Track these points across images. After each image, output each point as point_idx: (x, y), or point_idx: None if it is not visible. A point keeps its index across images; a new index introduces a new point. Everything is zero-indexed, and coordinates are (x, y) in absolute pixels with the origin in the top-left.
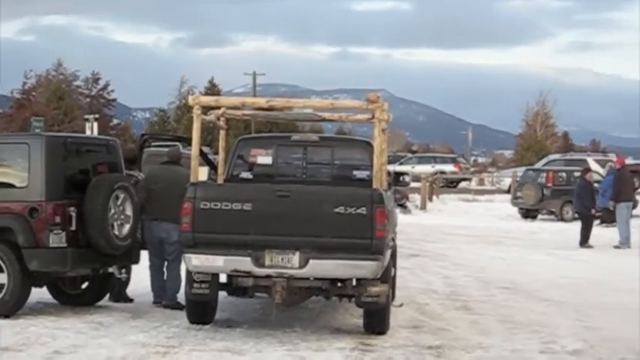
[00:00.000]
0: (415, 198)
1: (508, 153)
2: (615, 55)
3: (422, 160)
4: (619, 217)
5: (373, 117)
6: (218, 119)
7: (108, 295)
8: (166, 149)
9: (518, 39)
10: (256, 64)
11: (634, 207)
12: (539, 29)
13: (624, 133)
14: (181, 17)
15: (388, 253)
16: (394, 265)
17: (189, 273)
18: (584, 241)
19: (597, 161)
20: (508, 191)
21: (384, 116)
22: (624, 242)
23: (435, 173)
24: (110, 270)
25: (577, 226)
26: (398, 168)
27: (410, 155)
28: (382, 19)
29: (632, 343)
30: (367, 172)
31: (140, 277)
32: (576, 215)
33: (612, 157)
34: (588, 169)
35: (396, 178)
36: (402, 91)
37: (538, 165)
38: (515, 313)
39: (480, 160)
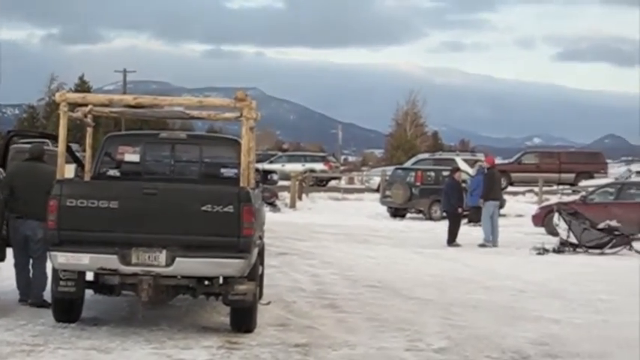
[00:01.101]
0: (285, 196)
1: (378, 152)
2: (487, 55)
3: (292, 159)
4: (485, 215)
5: (241, 115)
6: (85, 116)
7: None
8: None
9: (391, 38)
10: (128, 61)
11: (501, 206)
12: (412, 29)
13: (494, 132)
14: (53, 13)
15: (255, 251)
16: (262, 263)
17: (55, 271)
18: (452, 239)
19: (466, 161)
20: (377, 190)
21: (252, 114)
22: (488, 240)
23: (305, 172)
24: None
25: (445, 224)
26: (267, 166)
27: (280, 154)
28: (256, 17)
29: (498, 341)
30: (235, 170)
31: (5, 274)
32: (444, 214)
33: (481, 156)
34: (457, 169)
35: (264, 177)
36: (274, 89)
37: (407, 164)
38: (383, 311)
39: (351, 158)
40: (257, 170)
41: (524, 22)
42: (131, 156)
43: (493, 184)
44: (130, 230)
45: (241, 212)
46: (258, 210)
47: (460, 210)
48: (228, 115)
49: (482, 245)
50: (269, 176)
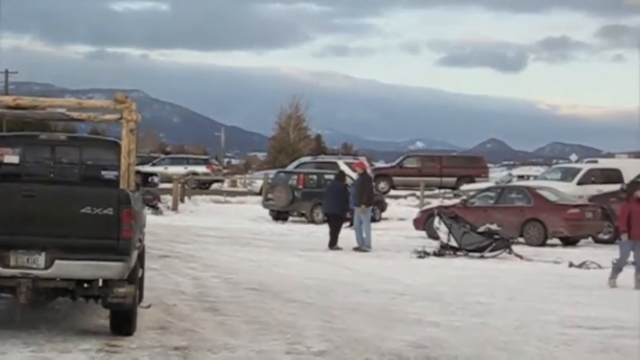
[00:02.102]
0: (167, 199)
1: (262, 155)
2: (372, 60)
3: (175, 161)
4: (356, 220)
5: (122, 117)
6: None
7: None
8: None
9: (277, 42)
10: (11, 63)
11: (382, 210)
12: (297, 33)
13: (377, 136)
14: None
15: (135, 253)
16: (142, 266)
17: None
18: (333, 242)
19: (348, 164)
20: (260, 193)
21: (133, 116)
22: (362, 244)
23: (188, 174)
24: None
25: (327, 228)
26: (149, 169)
27: (163, 156)
28: (141, 19)
29: (377, 344)
30: (115, 173)
31: None
32: (325, 217)
33: (363, 159)
34: (344, 173)
35: (145, 179)
36: (158, 92)
37: (290, 167)
38: (263, 314)
39: (234, 161)
40: (138, 172)
41: (409, 27)
42: (10, 157)
43: (365, 189)
44: (9, 232)
45: (121, 215)
46: (139, 212)
47: (348, 214)
48: (108, 116)
49: (356, 249)
50: (150, 179)
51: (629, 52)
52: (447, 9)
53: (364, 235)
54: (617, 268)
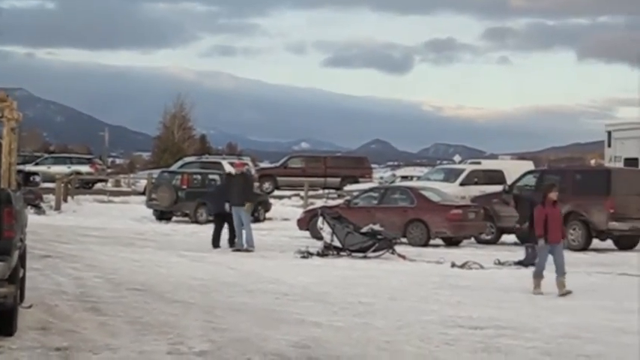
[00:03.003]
0: (50, 199)
1: (146, 155)
2: (258, 60)
3: (58, 161)
4: (236, 220)
5: (2, 116)
6: None
7: None
8: None
9: (164, 41)
10: None
11: (267, 210)
12: (184, 32)
13: (262, 137)
14: None
15: (16, 253)
16: (23, 266)
17: None
18: (217, 243)
19: (232, 164)
20: (143, 193)
21: (14, 115)
22: (242, 244)
23: (71, 174)
24: None
25: (211, 228)
26: (32, 168)
27: (46, 155)
28: (27, 17)
29: (260, 344)
30: None
31: None
32: (210, 217)
33: (247, 160)
34: (231, 173)
35: (27, 178)
36: (42, 90)
37: (174, 167)
38: (145, 314)
39: (118, 161)
40: (19, 172)
41: (295, 27)
42: None
43: (246, 189)
44: None
45: (1, 214)
46: (20, 212)
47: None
48: None
49: (237, 249)
50: (32, 178)
51: (514, 54)
52: (333, 10)
53: (245, 236)
54: (538, 274)
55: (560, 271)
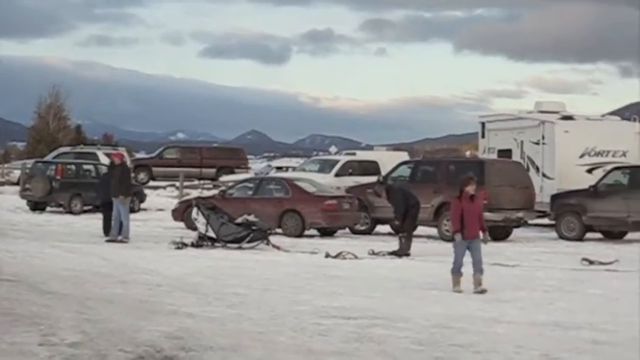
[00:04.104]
0: None
1: (21, 145)
2: (134, 50)
3: None
4: (115, 210)
5: None
6: None
7: None
8: None
9: (40, 31)
10: None
11: (141, 201)
12: (60, 22)
13: (139, 127)
14: None
15: None
16: None
17: None
18: (108, 231)
19: (108, 155)
20: (17, 183)
21: None
22: (115, 235)
23: None
24: None
25: (86, 219)
26: None
27: None
28: None
29: (132, 335)
30: None
31: None
32: (86, 208)
33: (122, 150)
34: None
35: None
36: None
37: (48, 157)
38: (17, 305)
39: None
40: None
41: (172, 17)
42: None
43: (125, 180)
44: None
45: None
46: None
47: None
48: None
49: (110, 241)
50: None
51: (391, 45)
52: (211, 0)
53: (122, 227)
54: (456, 271)
55: (478, 268)
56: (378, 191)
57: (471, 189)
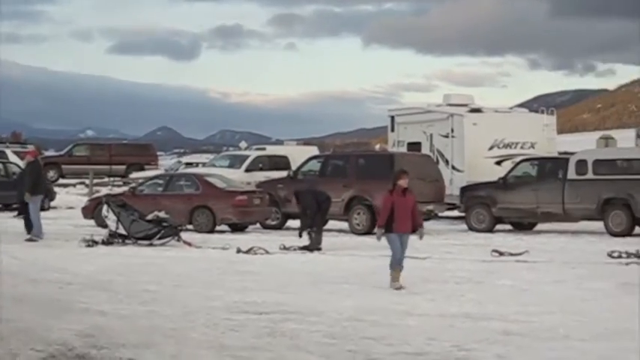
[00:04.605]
0: None
1: None
2: (43, 47)
3: None
4: (33, 209)
5: None
6: None
7: None
8: None
9: None
10: None
11: (51, 199)
12: None
13: (48, 124)
14: None
15: None
16: None
17: None
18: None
19: (16, 153)
20: None
21: None
22: (37, 234)
23: None
24: None
25: None
26: None
27: None
28: None
29: (43, 334)
30: None
31: None
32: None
33: (31, 148)
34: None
35: None
36: None
37: None
38: None
39: None
40: None
41: (81, 14)
42: None
43: (37, 177)
44: None
45: None
46: None
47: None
48: None
49: (29, 239)
50: None
51: (301, 40)
52: None
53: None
54: (394, 266)
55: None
56: (288, 197)
57: (403, 182)
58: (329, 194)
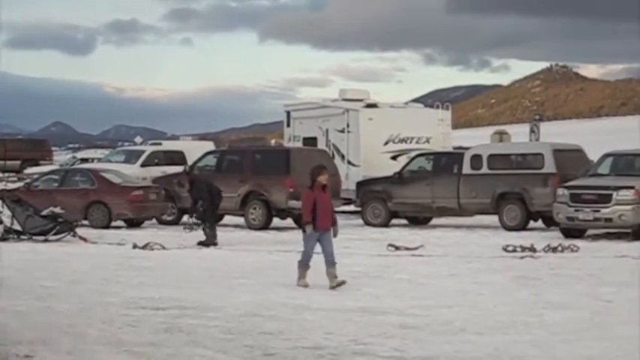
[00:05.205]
0: None
1: None
2: None
3: None
4: None
5: None
6: None
7: None
8: None
9: None
10: None
11: None
12: None
13: None
14: None
15: None
16: None
17: None
18: None
19: None
20: None
21: None
22: None
23: None
24: None
25: None
26: None
27: None
28: None
29: None
30: None
31: None
32: None
33: None
34: None
35: None
36: None
37: None
38: None
39: None
40: None
41: None
42: None
43: None
44: None
45: None
46: None
47: None
48: None
49: None
50: None
51: (197, 35)
52: None
53: None
54: (304, 264)
55: (331, 261)
56: (182, 182)
57: (323, 179)
58: (220, 189)
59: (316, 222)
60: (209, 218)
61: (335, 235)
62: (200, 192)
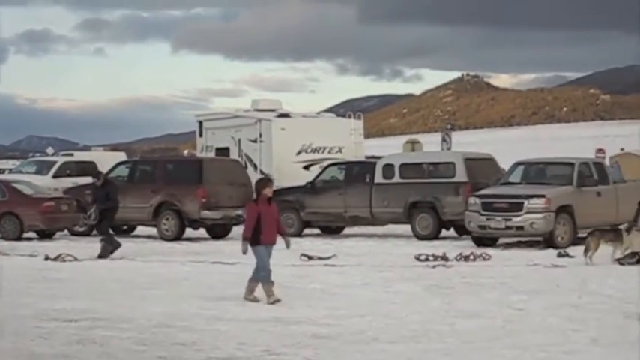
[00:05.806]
0: None
1: None
2: None
3: None
4: None
5: None
6: None
7: None
8: None
9: None
10: None
11: None
12: None
13: None
14: None
15: None
16: None
17: None
18: None
19: None
20: None
21: None
22: None
23: None
24: None
25: None
26: None
27: None
28: None
29: None
30: None
31: None
32: None
33: None
34: None
35: None
36: None
37: None
38: None
39: None
40: None
41: None
42: None
43: None
44: None
45: None
46: None
47: None
48: None
49: None
50: None
51: (109, 45)
52: None
53: None
54: (267, 278)
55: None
56: (99, 177)
57: (268, 192)
58: (119, 202)
59: (263, 236)
60: (105, 230)
61: (287, 246)
62: (109, 194)
